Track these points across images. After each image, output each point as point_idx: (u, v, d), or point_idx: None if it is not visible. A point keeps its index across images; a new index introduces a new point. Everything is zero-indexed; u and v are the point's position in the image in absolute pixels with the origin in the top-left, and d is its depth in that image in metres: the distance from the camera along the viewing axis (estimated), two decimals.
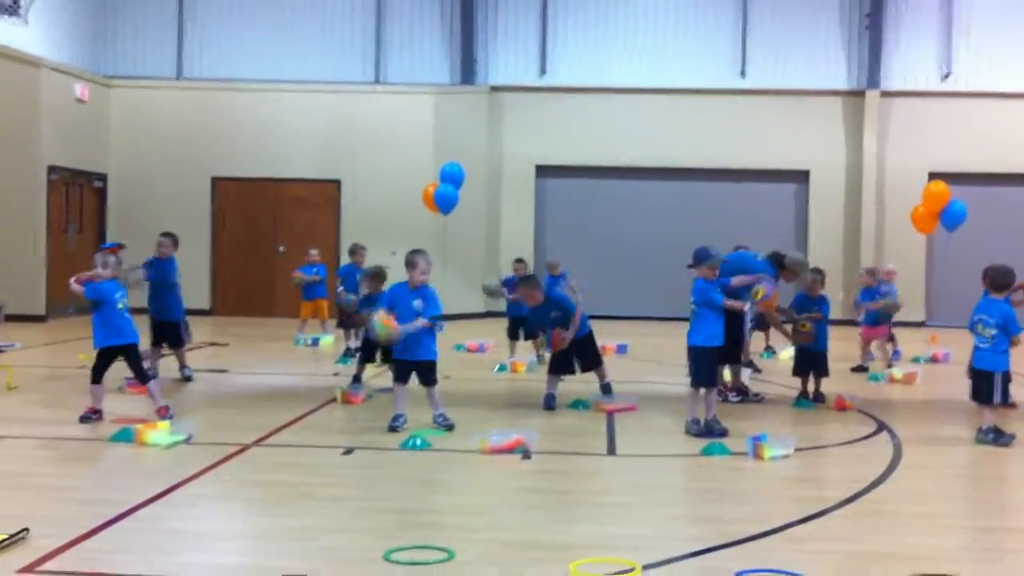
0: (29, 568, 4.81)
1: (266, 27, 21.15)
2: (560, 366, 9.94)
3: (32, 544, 5.14)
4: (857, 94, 20.75)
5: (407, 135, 20.14)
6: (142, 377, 8.74)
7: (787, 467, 7.41)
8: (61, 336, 15.57)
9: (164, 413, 8.51)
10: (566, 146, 20.97)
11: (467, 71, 20.95)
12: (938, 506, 6.50)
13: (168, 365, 11.38)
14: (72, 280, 8.68)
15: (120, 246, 9.30)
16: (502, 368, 12.58)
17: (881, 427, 8.98)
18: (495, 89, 21.06)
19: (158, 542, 5.36)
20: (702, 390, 8.55)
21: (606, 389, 10.07)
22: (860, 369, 12.89)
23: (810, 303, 10.46)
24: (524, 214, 21.17)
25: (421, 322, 8.40)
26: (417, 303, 8.46)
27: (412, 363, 8.54)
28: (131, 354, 8.66)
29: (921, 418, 9.73)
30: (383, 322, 8.25)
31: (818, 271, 10.78)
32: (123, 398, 9.62)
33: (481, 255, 20.50)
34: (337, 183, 20.52)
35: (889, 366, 12.77)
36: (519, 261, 14.46)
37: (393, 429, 8.32)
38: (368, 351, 10.65)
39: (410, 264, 8.57)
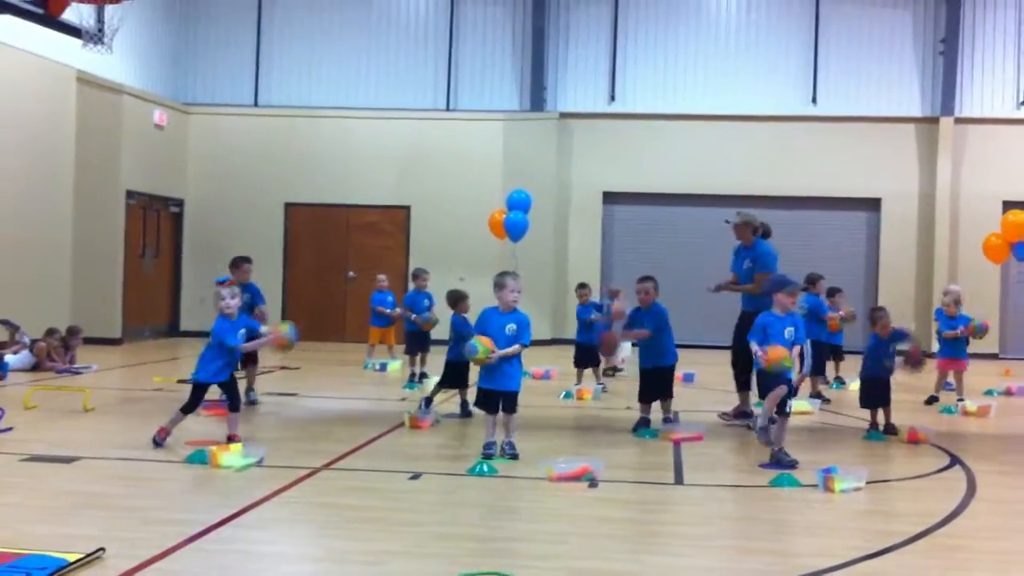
0: None
1: (341, 56, 21.52)
2: (651, 394, 10.08)
3: (107, 564, 5.22)
4: (931, 121, 20.50)
5: (477, 161, 20.30)
6: (236, 405, 8.75)
7: (858, 500, 7.31)
8: (137, 359, 15.87)
9: (235, 440, 8.59)
10: (634, 173, 20.98)
11: (537, 98, 21.08)
12: (1014, 542, 6.37)
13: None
14: None
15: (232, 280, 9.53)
16: (568, 395, 12.58)
17: (954, 461, 8.83)
18: (564, 115, 21.16)
19: (230, 563, 5.43)
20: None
21: (668, 421, 10.02)
22: (932, 400, 12.66)
23: (884, 343, 10.22)
24: (591, 240, 21.18)
25: (517, 347, 8.35)
26: (511, 327, 8.39)
27: (500, 393, 8.44)
28: (231, 383, 8.72)
29: (996, 452, 9.55)
30: (484, 343, 8.22)
31: (880, 309, 10.64)
32: (198, 420, 9.76)
33: (548, 281, 20.55)
34: (407, 209, 20.72)
35: (960, 399, 12.52)
36: (582, 286, 14.48)
37: (488, 456, 8.26)
38: (449, 378, 10.72)
39: (499, 286, 8.50)
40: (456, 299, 11.16)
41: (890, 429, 10.08)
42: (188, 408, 8.66)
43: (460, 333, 10.67)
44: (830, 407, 12.00)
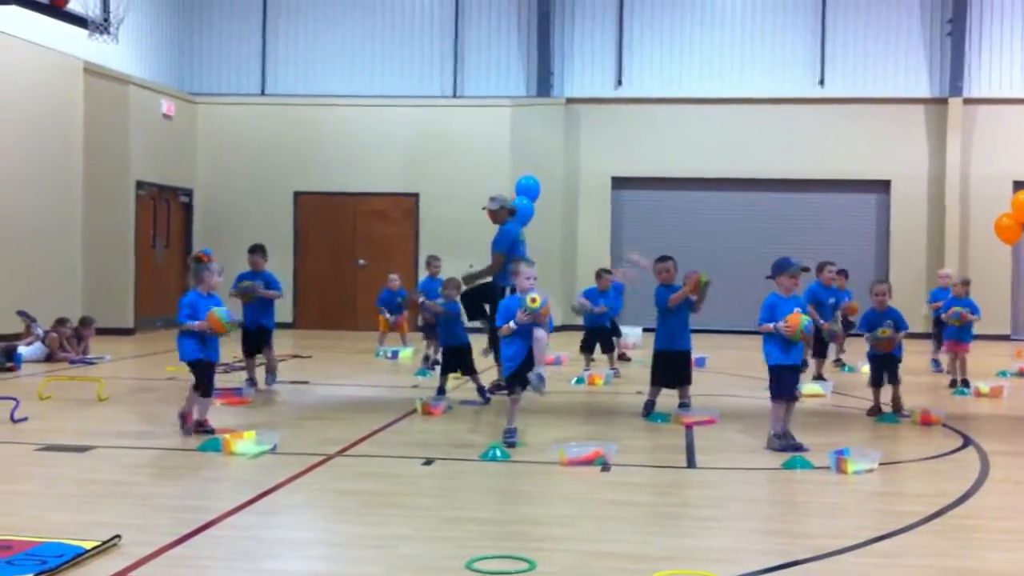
0: (121, 574, 4.92)
1: (347, 44, 21.50)
2: (664, 379, 10.04)
3: (124, 550, 5.26)
4: (940, 102, 20.42)
5: (484, 148, 20.30)
6: (205, 391, 8.76)
7: (871, 481, 7.31)
8: (149, 349, 15.93)
9: (205, 425, 8.64)
10: (642, 158, 20.94)
11: (543, 83, 21.03)
12: None
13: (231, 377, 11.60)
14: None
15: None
16: (580, 381, 12.59)
17: (967, 441, 8.82)
18: (571, 101, 21.11)
19: (245, 549, 5.47)
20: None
21: (684, 406, 10.02)
22: (953, 383, 12.46)
23: (880, 317, 10.04)
24: (600, 226, 21.16)
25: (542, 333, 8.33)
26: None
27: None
28: (196, 364, 8.74)
29: (1009, 432, 9.54)
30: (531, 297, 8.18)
31: (882, 281, 10.53)
32: (212, 409, 9.78)
33: (557, 268, 20.53)
34: (416, 196, 20.73)
35: (964, 379, 12.39)
36: (606, 271, 14.52)
37: (511, 444, 8.22)
38: (449, 363, 10.78)
39: (514, 273, 8.54)
40: (451, 285, 11.17)
41: (898, 406, 9.98)
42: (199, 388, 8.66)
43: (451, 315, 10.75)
44: (842, 389, 12.00)
